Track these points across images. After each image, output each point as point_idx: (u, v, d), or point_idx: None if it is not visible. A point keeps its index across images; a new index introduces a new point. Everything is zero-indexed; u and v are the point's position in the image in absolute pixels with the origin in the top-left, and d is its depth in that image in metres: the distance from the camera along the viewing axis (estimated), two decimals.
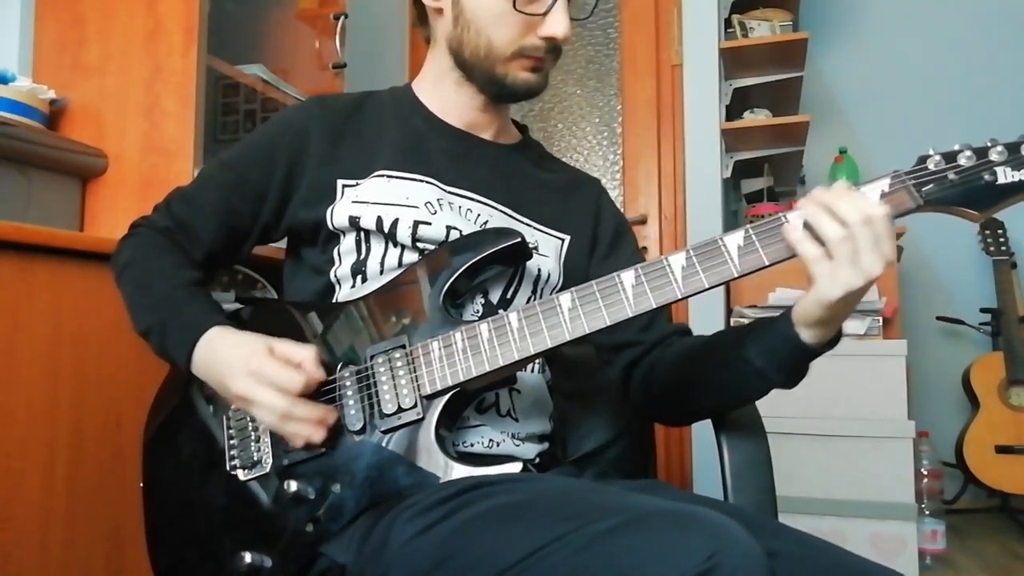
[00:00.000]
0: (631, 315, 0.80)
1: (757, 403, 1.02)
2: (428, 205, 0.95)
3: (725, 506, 0.88)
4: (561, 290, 0.85)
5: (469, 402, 0.90)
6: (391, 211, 0.93)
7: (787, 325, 0.83)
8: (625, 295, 0.81)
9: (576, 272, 1.03)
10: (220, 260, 1.01)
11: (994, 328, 2.87)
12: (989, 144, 0.78)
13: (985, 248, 2.80)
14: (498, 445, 0.93)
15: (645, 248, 2.74)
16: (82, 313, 1.23)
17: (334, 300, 0.96)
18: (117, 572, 1.25)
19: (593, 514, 0.66)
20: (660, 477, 1.24)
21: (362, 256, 0.95)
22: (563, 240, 1.04)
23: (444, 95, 1.02)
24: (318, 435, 0.81)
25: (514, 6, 0.91)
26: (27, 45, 1.68)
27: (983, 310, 2.89)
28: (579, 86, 3.01)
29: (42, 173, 1.50)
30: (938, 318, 3.00)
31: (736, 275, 0.79)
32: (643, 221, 2.81)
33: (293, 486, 0.82)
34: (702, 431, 1.90)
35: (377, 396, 0.84)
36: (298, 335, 0.91)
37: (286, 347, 0.83)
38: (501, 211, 1.00)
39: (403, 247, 0.94)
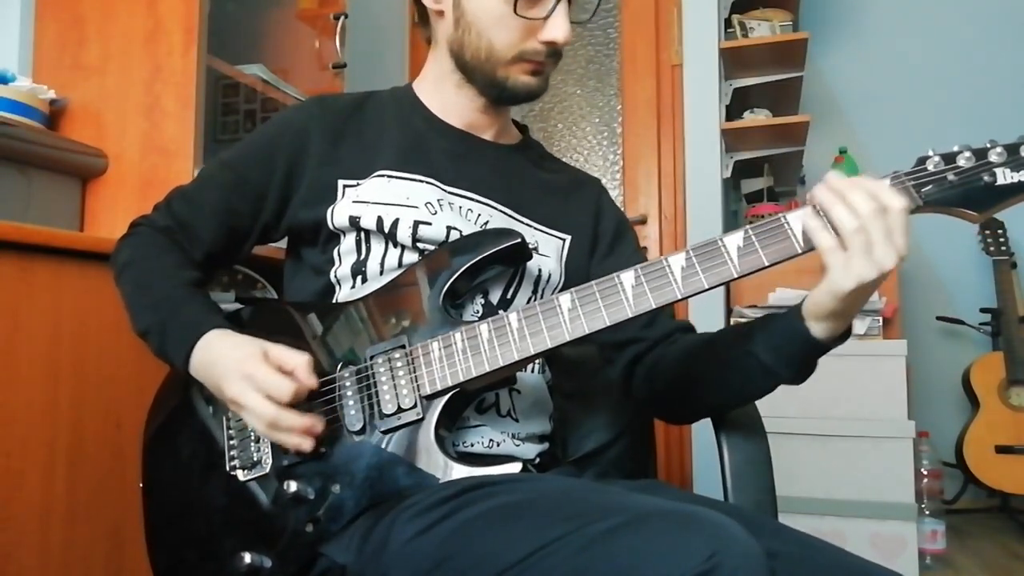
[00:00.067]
0: (631, 315, 0.80)
1: (757, 403, 1.02)
2: (428, 205, 0.95)
3: (725, 506, 0.88)
4: (562, 290, 0.85)
5: (469, 402, 0.90)
6: (391, 211, 0.93)
7: (796, 320, 0.83)
8: (625, 295, 0.81)
9: (578, 272, 1.03)
10: (220, 260, 1.01)
11: (994, 328, 2.86)
12: (988, 145, 0.78)
13: (985, 248, 2.80)
14: (498, 445, 0.93)
15: (645, 248, 2.74)
16: (82, 313, 1.23)
17: (334, 300, 0.96)
18: (117, 572, 1.25)
19: (593, 514, 0.66)
20: (660, 477, 1.24)
21: (362, 256, 0.95)
22: (564, 240, 1.04)
23: (445, 96, 1.02)
24: (306, 444, 0.81)
25: (515, 11, 0.91)
26: (27, 45, 1.68)
27: (983, 310, 2.89)
28: (579, 86, 3.01)
29: (42, 173, 1.50)
30: (938, 318, 3.00)
31: (736, 276, 0.79)
32: (643, 221, 2.81)
33: (293, 486, 0.82)
34: (702, 431, 1.89)
35: (377, 396, 0.84)
36: (297, 336, 0.91)
37: (280, 353, 0.83)
38: (501, 211, 1.00)
39: (403, 247, 0.94)
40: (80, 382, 1.22)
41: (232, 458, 0.88)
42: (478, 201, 0.99)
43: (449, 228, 0.94)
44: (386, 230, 0.93)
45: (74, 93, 1.63)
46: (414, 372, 0.84)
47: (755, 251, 0.79)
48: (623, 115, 2.92)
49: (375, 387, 0.85)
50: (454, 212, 0.96)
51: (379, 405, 0.84)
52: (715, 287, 0.80)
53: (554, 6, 0.92)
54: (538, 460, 0.98)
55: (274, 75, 1.86)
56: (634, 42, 2.90)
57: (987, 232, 2.81)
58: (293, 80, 1.97)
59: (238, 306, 0.99)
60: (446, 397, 0.84)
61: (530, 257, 0.93)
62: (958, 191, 0.77)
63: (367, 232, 0.95)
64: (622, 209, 1.15)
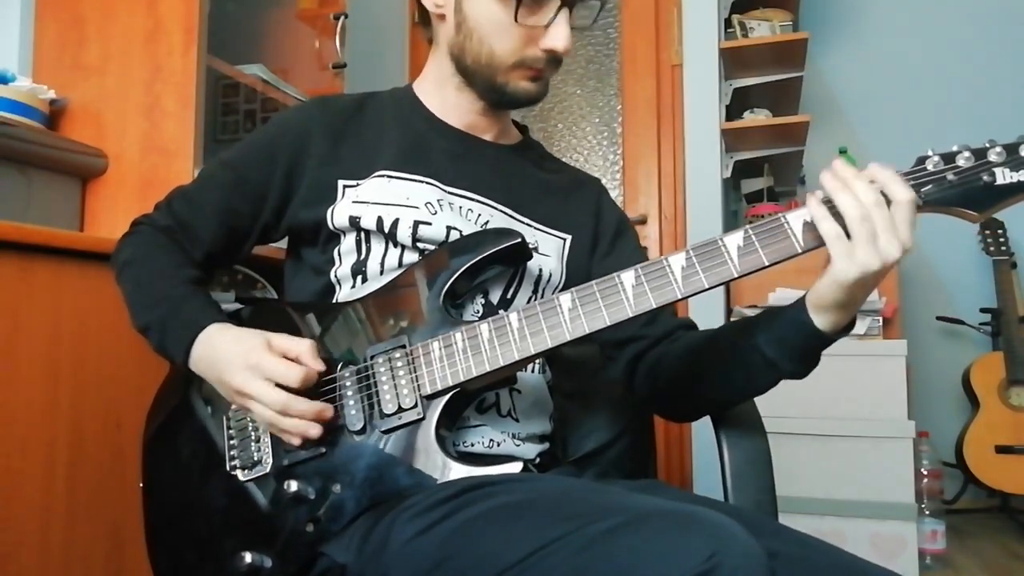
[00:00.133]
0: (631, 315, 0.80)
1: (757, 403, 1.02)
2: (428, 205, 0.95)
3: (725, 506, 0.88)
4: (563, 290, 0.85)
5: (469, 402, 0.90)
6: (391, 211, 0.93)
7: (799, 312, 0.83)
8: (625, 295, 0.81)
9: (579, 271, 1.03)
10: (220, 260, 1.01)
11: (994, 328, 2.87)
12: (988, 145, 0.78)
13: (985, 248, 2.81)
14: (498, 445, 0.93)
15: (645, 248, 2.74)
16: (82, 313, 1.23)
17: (334, 300, 0.96)
18: (117, 572, 1.25)
19: (593, 514, 0.66)
20: (660, 477, 1.23)
21: (362, 256, 0.95)
22: (565, 240, 1.04)
23: (445, 97, 1.02)
24: (314, 431, 0.81)
25: (515, 19, 0.91)
26: (27, 45, 1.68)
27: (983, 310, 2.89)
28: (579, 86, 3.01)
29: (42, 173, 1.50)
30: (938, 318, 3.00)
31: (736, 275, 0.79)
32: (643, 221, 2.81)
33: (293, 486, 0.82)
34: (702, 431, 1.89)
35: (377, 396, 0.84)
36: (297, 335, 0.91)
37: (283, 341, 0.83)
38: (502, 211, 1.00)
39: (403, 247, 0.94)
40: (80, 382, 1.22)
41: (232, 458, 0.88)
42: (478, 201, 0.99)
43: (449, 228, 0.94)
44: (386, 230, 0.93)
45: (74, 93, 1.63)
46: (414, 372, 0.85)
47: (755, 251, 0.79)
48: (623, 115, 2.92)
49: (375, 387, 0.85)
50: (454, 212, 0.96)
51: (380, 405, 0.84)
52: (715, 287, 0.80)
53: (555, 14, 0.92)
54: (538, 460, 0.98)
55: (274, 75, 1.86)
56: (634, 42, 2.90)
57: (987, 232, 2.81)
58: (293, 80, 1.97)
59: (238, 306, 1.00)
60: (446, 397, 0.84)
61: (530, 257, 0.93)
62: (957, 191, 0.77)
63: (367, 232, 0.95)
64: (622, 209, 1.15)
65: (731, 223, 2.91)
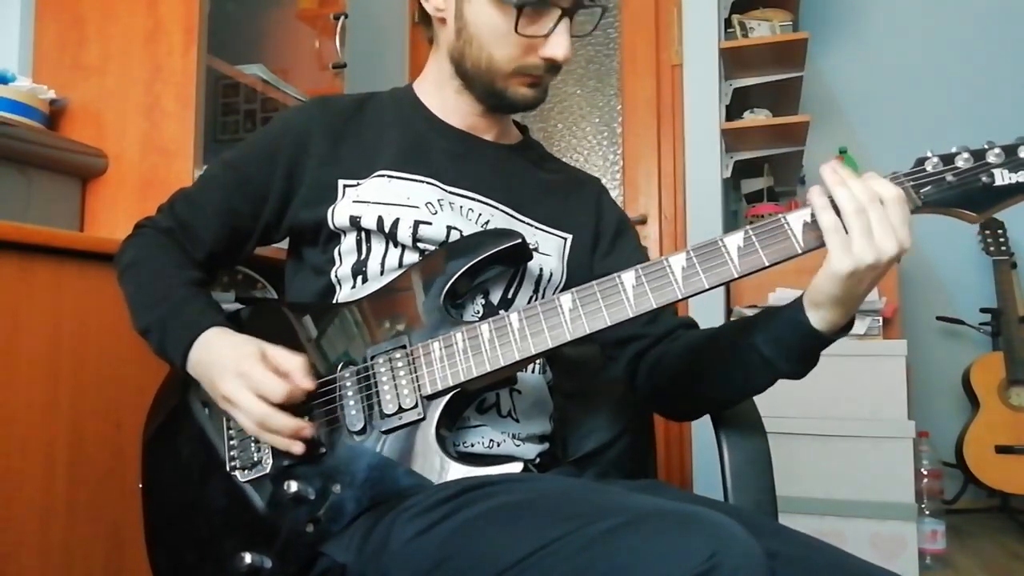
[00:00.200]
0: (632, 315, 0.80)
1: (757, 403, 1.02)
2: (429, 205, 0.95)
3: (725, 506, 0.88)
4: (564, 289, 0.85)
5: (470, 402, 0.90)
6: (392, 211, 0.94)
7: (796, 311, 0.83)
8: (626, 295, 0.81)
9: (580, 271, 1.03)
10: (222, 260, 1.02)
11: (994, 328, 2.87)
12: (987, 146, 0.78)
13: (985, 248, 2.81)
14: (498, 445, 0.93)
15: (645, 248, 2.74)
16: (82, 313, 1.23)
17: (335, 300, 0.96)
18: (117, 572, 1.25)
19: (593, 514, 0.66)
20: (660, 477, 1.23)
21: (363, 256, 0.95)
22: (565, 239, 1.04)
23: (445, 98, 1.03)
24: (296, 447, 0.82)
25: (516, 29, 0.91)
26: (27, 45, 1.68)
27: (983, 310, 2.89)
28: (579, 86, 3.01)
29: (42, 173, 1.50)
30: (938, 318, 3.00)
31: (736, 276, 0.79)
32: (643, 221, 2.81)
33: (293, 487, 0.82)
34: (702, 431, 1.89)
35: (378, 396, 0.84)
36: (297, 336, 0.91)
37: (278, 354, 0.83)
38: (502, 211, 1.00)
39: (404, 247, 0.94)
40: (80, 382, 1.22)
41: (232, 458, 0.88)
42: (479, 201, 0.99)
43: (449, 228, 0.94)
44: (386, 230, 0.93)
45: (74, 93, 1.63)
46: (415, 372, 0.85)
47: (755, 251, 0.79)
48: (623, 115, 2.92)
49: (376, 387, 0.85)
50: (455, 212, 0.96)
51: (380, 405, 0.84)
52: (716, 287, 0.80)
53: (555, 24, 0.92)
54: (538, 460, 0.98)
55: (274, 75, 1.86)
56: (634, 42, 2.90)
57: (987, 232, 2.81)
58: (293, 80, 1.98)
59: (238, 306, 1.00)
60: (447, 397, 0.84)
61: (530, 257, 0.93)
62: (956, 192, 0.78)
63: (367, 232, 0.95)
64: (622, 209, 1.15)
65: (731, 223, 2.91)
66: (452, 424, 0.88)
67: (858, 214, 0.75)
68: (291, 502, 0.83)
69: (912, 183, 0.78)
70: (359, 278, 0.95)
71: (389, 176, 0.97)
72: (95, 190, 1.60)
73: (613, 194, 1.14)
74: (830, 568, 0.74)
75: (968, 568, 2.30)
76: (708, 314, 2.42)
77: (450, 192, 0.98)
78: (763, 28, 2.70)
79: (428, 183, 0.97)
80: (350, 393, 0.85)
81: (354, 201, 0.95)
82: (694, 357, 0.96)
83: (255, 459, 0.86)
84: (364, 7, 2.35)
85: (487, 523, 0.71)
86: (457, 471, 0.81)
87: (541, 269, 0.99)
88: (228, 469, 0.88)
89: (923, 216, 0.80)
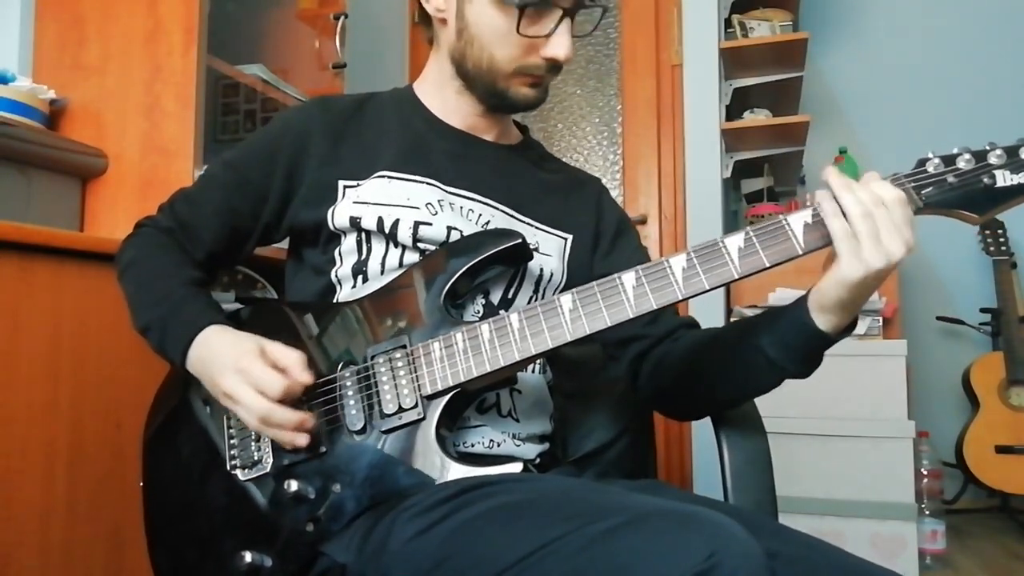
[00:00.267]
0: (632, 316, 0.80)
1: (757, 403, 1.02)
2: (429, 206, 0.95)
3: (725, 506, 0.88)
4: (564, 289, 0.85)
5: (470, 402, 0.90)
6: (392, 212, 0.94)
7: (801, 313, 0.83)
8: (626, 296, 0.81)
9: (580, 271, 1.03)
10: (222, 260, 1.02)
11: (994, 328, 2.87)
12: (988, 147, 0.78)
13: (985, 248, 2.80)
14: (499, 445, 0.93)
15: (645, 248, 2.74)
16: (82, 313, 1.23)
17: (335, 300, 0.97)
18: (117, 572, 1.25)
19: (593, 514, 0.66)
20: (660, 477, 1.23)
21: (363, 256, 0.95)
22: (566, 239, 1.04)
23: (446, 98, 1.03)
24: (301, 440, 0.82)
25: (517, 29, 0.91)
26: (27, 45, 1.68)
27: (983, 310, 2.89)
28: (579, 86, 3.01)
29: (42, 173, 1.50)
30: (938, 318, 3.00)
31: (736, 277, 0.79)
32: (643, 221, 2.81)
33: (293, 486, 0.82)
34: (702, 431, 1.89)
35: (378, 396, 0.84)
36: (297, 336, 0.91)
37: (276, 349, 0.83)
38: (502, 211, 1.00)
39: (404, 248, 0.94)
40: (80, 382, 1.22)
41: (233, 457, 0.88)
42: (479, 201, 0.99)
43: (450, 228, 0.94)
44: (387, 231, 0.93)
45: (74, 93, 1.63)
46: (415, 372, 0.85)
47: (756, 252, 0.79)
48: (623, 115, 2.92)
49: (376, 387, 0.85)
50: (455, 212, 0.96)
51: (380, 405, 0.84)
52: (716, 288, 0.80)
53: (556, 24, 0.92)
54: (538, 460, 0.98)
55: (274, 75, 1.86)
56: (634, 42, 2.90)
57: (987, 232, 2.81)
58: (293, 80, 1.98)
59: (238, 306, 1.00)
60: (447, 397, 0.84)
61: (531, 257, 0.93)
62: (958, 193, 0.78)
63: (368, 233, 0.95)
64: (622, 208, 1.15)
65: (731, 223, 2.91)
66: (452, 424, 0.88)
67: (865, 218, 0.75)
68: (291, 501, 0.83)
69: (913, 184, 0.78)
70: (359, 278, 0.95)
71: (389, 177, 0.97)
72: (95, 190, 1.60)
73: (613, 194, 1.14)
74: (830, 567, 0.74)
75: (968, 568, 2.30)
76: (708, 314, 2.42)
77: (450, 192, 0.98)
78: (763, 28, 2.70)
79: (428, 184, 0.97)
80: (350, 393, 0.85)
81: (354, 202, 0.95)
82: (697, 358, 0.96)
83: (255, 458, 0.86)
84: (364, 7, 2.35)
85: (487, 523, 0.71)
86: (457, 471, 0.81)
87: (541, 269, 0.99)
88: (228, 468, 0.88)
89: (923, 216, 0.79)
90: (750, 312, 2.32)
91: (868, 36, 3.24)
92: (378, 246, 0.95)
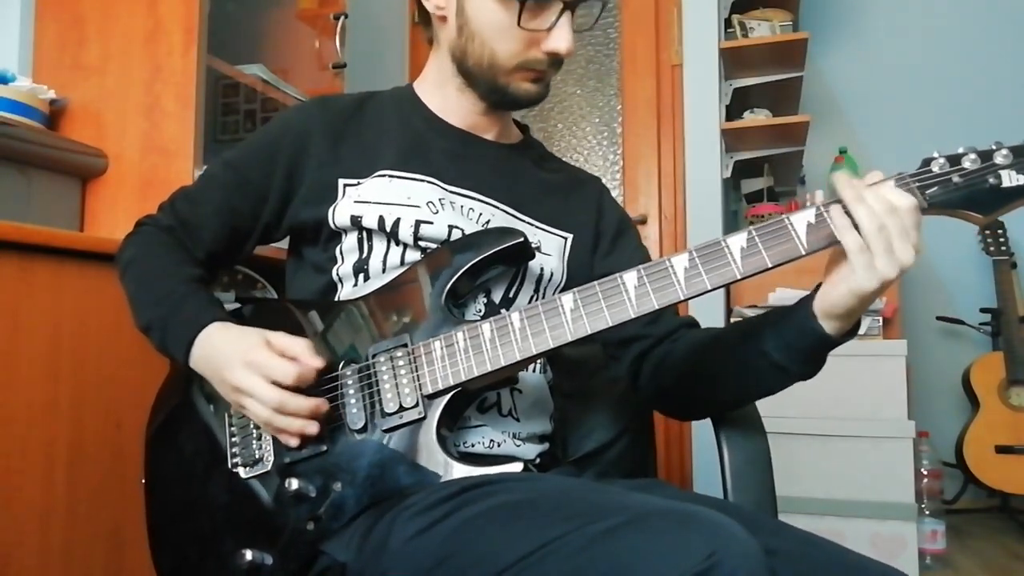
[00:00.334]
0: (633, 316, 0.80)
1: (757, 403, 1.02)
2: (430, 204, 0.95)
3: (724, 504, 0.88)
4: (565, 289, 0.85)
5: (471, 402, 0.90)
6: (393, 211, 0.93)
7: (807, 319, 0.83)
8: (627, 296, 0.81)
9: (580, 270, 1.03)
10: (222, 259, 1.02)
11: (994, 328, 2.87)
12: (994, 147, 0.77)
13: (985, 248, 2.81)
14: (499, 445, 0.93)
15: (645, 248, 2.74)
16: (82, 313, 1.23)
17: (336, 298, 0.96)
18: (117, 572, 1.25)
19: (593, 513, 0.66)
20: (660, 476, 1.23)
21: (364, 255, 0.95)
22: (566, 239, 1.04)
23: (446, 98, 1.03)
24: (312, 428, 0.82)
25: (518, 23, 0.91)
26: (27, 45, 1.68)
27: (983, 310, 2.89)
28: (579, 86, 3.01)
29: (42, 173, 1.50)
30: (938, 318, 3.00)
31: (739, 277, 0.79)
32: (643, 221, 2.81)
33: (294, 484, 0.82)
34: (702, 430, 1.89)
35: (379, 395, 0.84)
36: (299, 333, 0.91)
37: (282, 339, 0.83)
38: (503, 210, 1.00)
39: (405, 246, 0.94)
40: (80, 382, 1.22)
41: (234, 455, 0.88)
42: (480, 200, 0.99)
43: (451, 227, 0.94)
44: (388, 229, 0.93)
45: (74, 93, 1.63)
46: (416, 371, 0.85)
47: (758, 252, 0.79)
48: (623, 115, 2.92)
49: (377, 385, 0.85)
50: (456, 211, 0.96)
51: (381, 404, 0.84)
52: (718, 288, 0.80)
53: (557, 18, 0.92)
54: (538, 460, 0.98)
55: (274, 75, 1.86)
56: (634, 42, 2.90)
57: (987, 232, 2.81)
58: (293, 80, 1.97)
59: (238, 306, 0.99)
60: (448, 396, 0.84)
61: (532, 256, 0.93)
62: (963, 193, 0.77)
63: (369, 231, 0.95)
64: (623, 208, 1.15)
65: (731, 223, 2.91)
66: (453, 424, 0.88)
67: (880, 231, 0.75)
68: (292, 499, 0.83)
69: (918, 184, 0.78)
70: (361, 276, 0.95)
71: (390, 176, 0.97)
72: (95, 190, 1.60)
73: (613, 194, 1.14)
74: (829, 563, 0.74)
75: (968, 568, 2.30)
76: (709, 314, 2.42)
77: (451, 192, 0.98)
78: (763, 28, 2.70)
79: (429, 182, 0.97)
80: (351, 391, 0.85)
81: (355, 201, 0.95)
82: (699, 359, 0.96)
83: (256, 456, 0.86)
84: (364, 7, 2.34)
85: (487, 522, 0.71)
86: (458, 471, 0.81)
87: (542, 269, 0.99)
88: (230, 466, 0.88)
89: (924, 217, 0.79)
90: (750, 312, 2.32)
91: (868, 36, 3.24)
92: (379, 244, 0.95)
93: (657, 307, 0.80)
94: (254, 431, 0.87)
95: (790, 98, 2.80)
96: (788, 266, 0.81)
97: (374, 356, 0.86)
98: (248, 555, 0.83)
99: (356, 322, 0.90)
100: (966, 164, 0.77)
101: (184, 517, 0.91)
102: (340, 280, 0.97)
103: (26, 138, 1.45)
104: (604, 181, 1.16)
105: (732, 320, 2.41)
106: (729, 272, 0.79)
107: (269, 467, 0.85)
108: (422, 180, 0.97)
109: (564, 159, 1.18)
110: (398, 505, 0.79)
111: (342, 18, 2.02)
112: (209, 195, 0.99)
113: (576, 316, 0.81)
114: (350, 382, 0.86)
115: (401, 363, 0.85)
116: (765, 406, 1.01)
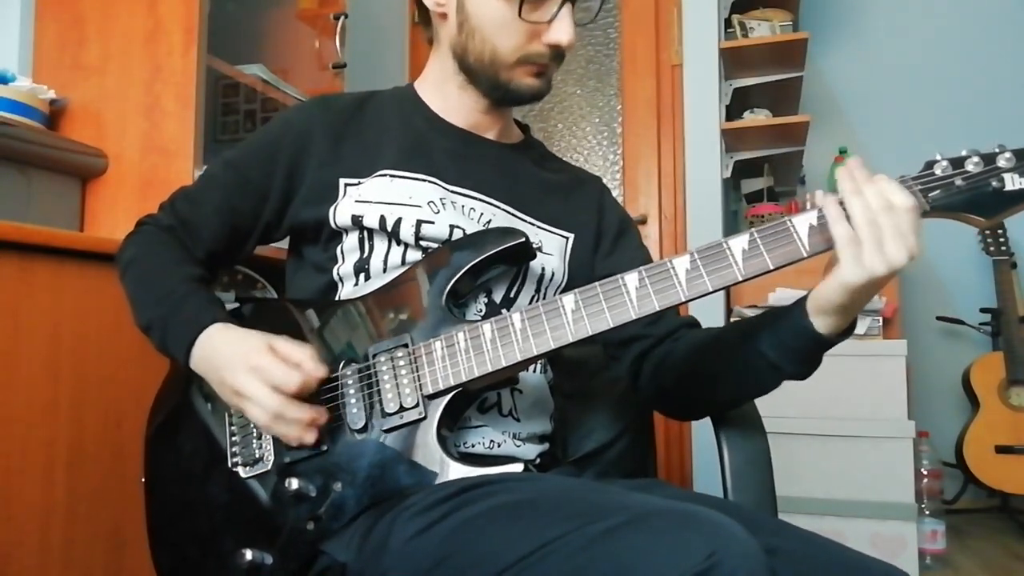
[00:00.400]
0: (634, 317, 0.80)
1: (757, 403, 1.02)
2: (431, 204, 0.95)
3: (724, 504, 0.88)
4: (566, 289, 0.85)
5: (471, 402, 0.90)
6: (394, 210, 0.93)
7: (801, 316, 0.83)
8: (628, 297, 0.80)
9: (581, 270, 1.03)
10: (222, 259, 1.01)
11: (994, 328, 2.87)
12: (997, 150, 0.77)
13: (985, 248, 2.81)
14: (499, 446, 0.92)
15: (646, 248, 2.74)
16: (82, 313, 1.23)
17: (336, 298, 0.96)
18: (117, 572, 1.25)
19: (593, 513, 0.66)
20: (660, 476, 1.23)
21: (365, 254, 0.95)
22: (567, 238, 1.04)
23: (447, 97, 1.03)
24: (309, 437, 0.81)
25: (519, 15, 0.91)
26: (27, 45, 1.68)
27: (983, 310, 2.89)
28: (579, 86, 3.01)
29: (42, 173, 1.50)
30: (938, 318, 3.00)
31: (740, 279, 0.79)
32: (643, 221, 2.81)
33: (294, 484, 0.82)
34: (702, 430, 1.89)
35: (379, 395, 0.84)
36: (299, 333, 0.91)
37: (286, 346, 0.83)
38: (504, 210, 1.00)
39: (406, 246, 0.94)
40: (80, 382, 1.22)
41: (234, 455, 0.88)
42: (480, 200, 0.99)
43: (452, 227, 0.94)
44: (389, 229, 0.93)
45: (74, 93, 1.63)
46: (417, 371, 0.84)
47: (760, 254, 0.79)
48: (623, 115, 2.92)
49: (377, 385, 0.85)
50: (457, 211, 0.96)
51: (381, 404, 0.84)
52: (719, 290, 0.80)
53: (558, 9, 0.92)
54: (538, 460, 0.98)
55: (274, 75, 1.86)
56: (634, 42, 2.90)
57: (987, 232, 2.81)
58: (293, 80, 1.97)
59: (238, 305, 0.99)
60: (448, 396, 0.84)
61: (534, 256, 0.93)
62: (965, 196, 0.77)
63: (370, 231, 0.95)
64: (624, 208, 1.15)
65: (731, 223, 2.91)
66: (453, 424, 0.88)
67: (870, 225, 0.74)
68: (292, 499, 0.83)
69: (920, 187, 0.78)
70: (361, 276, 0.95)
71: (391, 175, 0.97)
72: (95, 190, 1.60)
73: (614, 194, 1.14)
74: (829, 562, 0.74)
75: (968, 568, 2.30)
76: (708, 314, 2.41)
77: (452, 191, 0.98)
78: (763, 28, 2.70)
79: (430, 182, 0.97)
80: (352, 391, 0.85)
81: (356, 200, 0.95)
82: (699, 359, 0.96)
83: (256, 455, 0.86)
84: (364, 7, 2.34)
85: (487, 522, 0.71)
86: (458, 471, 0.81)
87: (543, 269, 0.99)
88: (230, 465, 0.88)
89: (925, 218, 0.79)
90: (750, 312, 2.32)
91: (868, 36, 3.24)
92: (380, 244, 0.95)
93: (658, 308, 0.80)
94: (254, 430, 0.87)
95: (790, 98, 2.80)
96: (789, 267, 0.81)
97: (374, 356, 0.86)
98: (248, 555, 0.83)
99: (356, 322, 0.90)
100: (969, 167, 0.77)
101: (184, 517, 0.91)
102: (340, 280, 0.97)
103: (26, 138, 1.45)
104: (604, 181, 1.16)
105: (732, 320, 2.41)
106: (730, 274, 0.79)
107: (269, 467, 0.85)
108: (423, 180, 0.97)
109: (564, 159, 1.18)
110: (398, 505, 0.79)
111: (342, 18, 2.02)
112: (209, 195, 0.99)
113: (577, 317, 0.81)
114: (350, 382, 0.86)
115: (402, 363, 0.85)
116: (765, 406, 1.01)
